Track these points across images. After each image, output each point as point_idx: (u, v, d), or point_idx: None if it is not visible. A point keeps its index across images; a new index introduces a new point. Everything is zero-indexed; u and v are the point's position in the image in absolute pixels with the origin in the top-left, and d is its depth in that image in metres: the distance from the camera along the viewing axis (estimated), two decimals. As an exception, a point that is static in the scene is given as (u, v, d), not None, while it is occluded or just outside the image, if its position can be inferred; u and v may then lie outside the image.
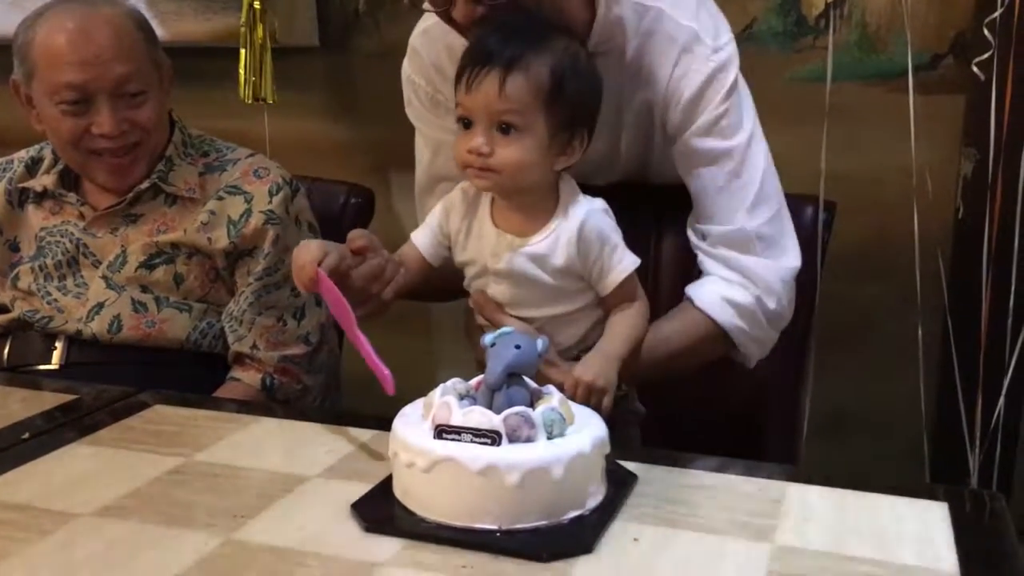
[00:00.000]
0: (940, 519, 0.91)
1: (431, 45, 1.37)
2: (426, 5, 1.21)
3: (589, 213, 1.09)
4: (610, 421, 1.16)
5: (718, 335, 1.25)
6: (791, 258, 1.29)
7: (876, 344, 2.00)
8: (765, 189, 1.27)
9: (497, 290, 1.13)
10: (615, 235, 1.10)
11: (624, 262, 1.10)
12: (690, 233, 1.31)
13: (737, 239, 1.26)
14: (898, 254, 1.88)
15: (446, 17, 1.19)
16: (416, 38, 1.40)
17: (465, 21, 1.16)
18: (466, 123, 1.08)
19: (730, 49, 1.26)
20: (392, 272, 1.13)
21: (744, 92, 1.28)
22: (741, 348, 1.28)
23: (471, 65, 1.06)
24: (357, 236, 1.13)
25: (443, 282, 1.23)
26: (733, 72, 1.25)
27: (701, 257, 1.29)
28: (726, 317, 1.24)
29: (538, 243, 1.09)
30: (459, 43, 1.31)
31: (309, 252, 1.06)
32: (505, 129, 1.06)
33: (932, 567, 0.83)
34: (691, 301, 1.25)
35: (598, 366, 1.05)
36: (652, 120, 1.30)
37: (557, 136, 1.08)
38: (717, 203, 1.26)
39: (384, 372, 1.06)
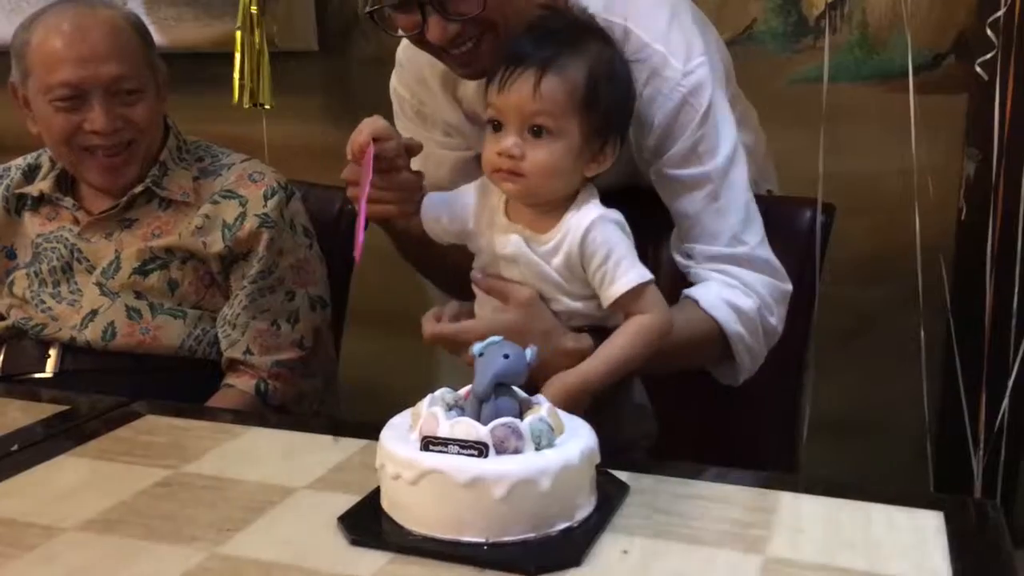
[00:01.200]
0: (935, 529, 0.90)
1: (415, 58, 1.36)
2: (400, 32, 1.20)
3: (598, 219, 1.06)
4: (622, 441, 1.15)
5: (718, 338, 1.21)
6: (784, 281, 1.26)
7: (878, 347, 1.99)
8: (750, 212, 1.24)
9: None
10: (623, 247, 1.07)
11: (630, 275, 1.05)
12: (675, 255, 1.27)
13: (726, 257, 1.23)
14: (899, 256, 1.86)
15: (417, 40, 1.18)
16: (402, 51, 1.39)
17: (439, 40, 1.15)
18: (496, 125, 1.06)
19: (702, 71, 1.20)
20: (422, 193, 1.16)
21: (721, 111, 1.23)
22: (737, 357, 1.23)
23: (505, 65, 1.05)
24: (417, 143, 1.15)
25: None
26: (706, 95, 1.20)
27: (695, 271, 1.25)
28: (729, 320, 1.20)
29: (546, 242, 1.08)
30: None
31: (374, 125, 1.08)
32: (537, 132, 1.04)
33: (925, 580, 0.82)
34: (696, 302, 1.21)
35: (565, 396, 1.01)
36: (629, 136, 1.28)
37: (590, 142, 1.06)
38: (697, 228, 1.23)
39: (359, 239, 1.05)
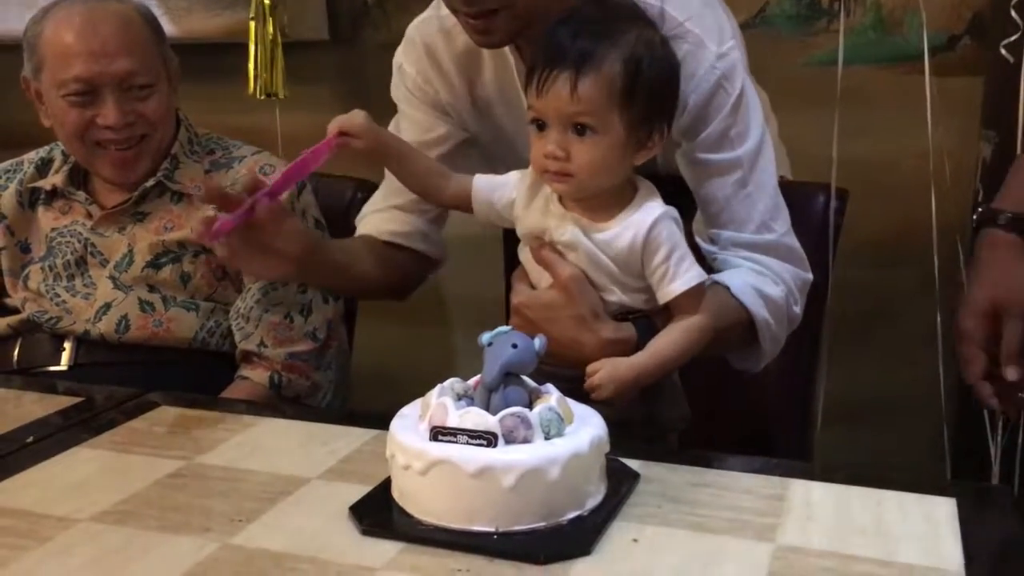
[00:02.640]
0: (947, 516, 0.89)
1: (428, 35, 1.35)
2: None
3: (664, 215, 1.06)
4: (661, 422, 1.16)
5: (746, 325, 1.20)
6: (806, 271, 1.26)
7: (893, 332, 1.98)
8: (778, 200, 1.24)
9: None
10: (684, 246, 1.07)
11: (691, 273, 1.06)
12: (699, 240, 1.26)
13: (753, 244, 1.22)
14: (916, 239, 1.85)
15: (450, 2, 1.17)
16: (413, 28, 1.38)
17: None
18: (540, 125, 1.06)
19: (735, 54, 1.20)
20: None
21: (751, 96, 1.23)
22: (761, 344, 1.22)
23: (541, 66, 1.04)
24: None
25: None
26: (739, 79, 1.20)
27: (721, 257, 1.23)
28: (758, 308, 1.19)
29: (606, 231, 1.07)
30: (456, 34, 1.30)
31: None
32: (580, 130, 1.04)
33: (936, 566, 0.81)
34: (727, 288, 1.19)
35: (617, 384, 1.02)
36: None
37: (635, 131, 1.05)
38: (725, 213, 1.22)
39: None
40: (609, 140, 1.04)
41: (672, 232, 1.06)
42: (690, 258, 1.07)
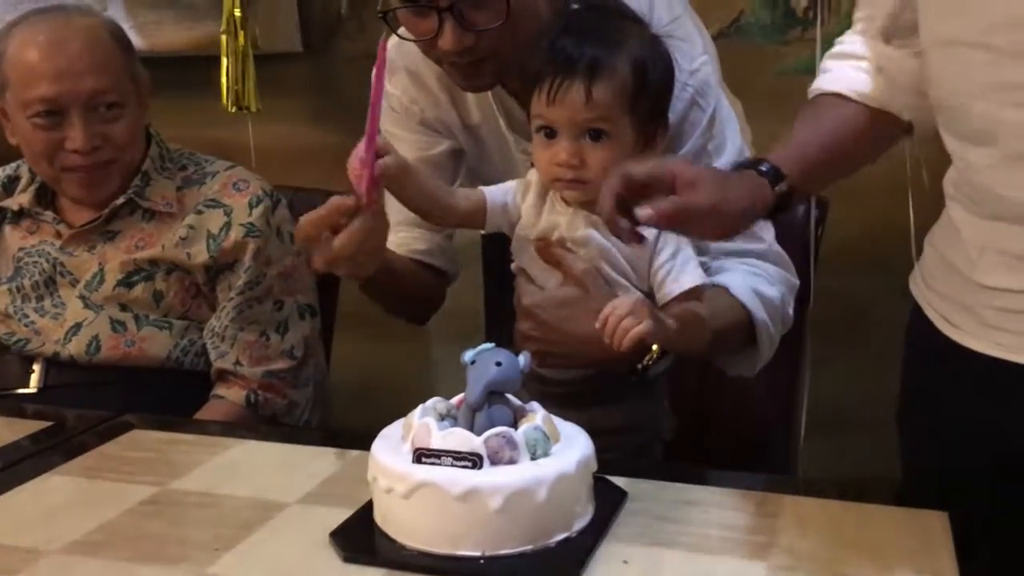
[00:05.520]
0: (941, 530, 0.88)
1: (410, 60, 1.32)
2: (402, 31, 1.18)
3: None
4: (653, 431, 1.15)
5: (744, 325, 1.19)
6: (794, 276, 1.26)
7: (874, 338, 1.97)
8: None
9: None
10: (691, 249, 1.09)
11: (695, 273, 1.07)
12: None
13: (743, 252, 1.21)
14: (893, 245, 1.84)
15: (427, 47, 1.17)
16: (392, 49, 1.35)
17: (452, 48, 1.13)
18: (548, 133, 1.05)
19: (707, 70, 1.20)
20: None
21: (725, 108, 1.23)
22: (759, 346, 1.21)
23: (552, 75, 1.03)
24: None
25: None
26: (712, 94, 1.20)
27: (715, 265, 1.21)
28: (756, 307, 1.18)
29: None
30: None
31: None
32: (595, 136, 1.04)
33: (933, 583, 0.80)
34: (726, 289, 1.18)
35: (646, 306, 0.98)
36: None
37: (642, 131, 1.07)
38: None
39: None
40: (622, 142, 1.05)
41: (680, 234, 1.07)
42: (695, 261, 1.08)
